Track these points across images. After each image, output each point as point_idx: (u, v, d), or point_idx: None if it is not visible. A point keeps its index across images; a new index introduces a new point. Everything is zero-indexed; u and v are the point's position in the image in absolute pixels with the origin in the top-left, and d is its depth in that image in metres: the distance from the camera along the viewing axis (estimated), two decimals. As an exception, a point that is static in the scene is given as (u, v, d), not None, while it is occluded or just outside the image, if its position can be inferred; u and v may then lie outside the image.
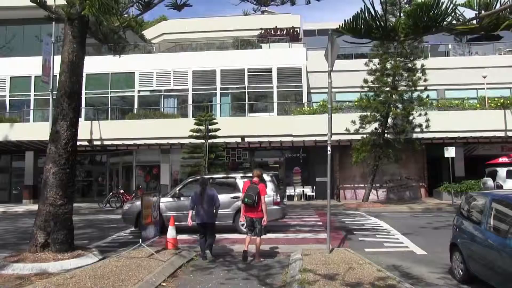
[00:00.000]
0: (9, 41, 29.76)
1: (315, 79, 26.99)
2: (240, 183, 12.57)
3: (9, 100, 28.34)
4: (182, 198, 13.21)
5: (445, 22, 2.69)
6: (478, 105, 24.14)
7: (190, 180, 13.85)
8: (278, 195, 13.11)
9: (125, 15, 4.52)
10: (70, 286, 6.57)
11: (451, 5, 2.59)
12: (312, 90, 27.63)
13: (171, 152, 26.63)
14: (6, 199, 28.89)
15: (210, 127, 22.21)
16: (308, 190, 25.70)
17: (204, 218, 9.43)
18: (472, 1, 2.61)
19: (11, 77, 28.26)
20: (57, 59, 11.30)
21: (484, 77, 24.22)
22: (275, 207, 12.58)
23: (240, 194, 10.74)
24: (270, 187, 12.57)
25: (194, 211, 9.54)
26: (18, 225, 16.90)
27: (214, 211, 9.55)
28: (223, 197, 11.53)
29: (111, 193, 24.46)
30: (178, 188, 13.75)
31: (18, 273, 7.99)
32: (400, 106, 21.70)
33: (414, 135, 22.03)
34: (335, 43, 9.23)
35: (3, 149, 27.44)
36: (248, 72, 26.81)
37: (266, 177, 12.74)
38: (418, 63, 21.34)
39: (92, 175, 30.29)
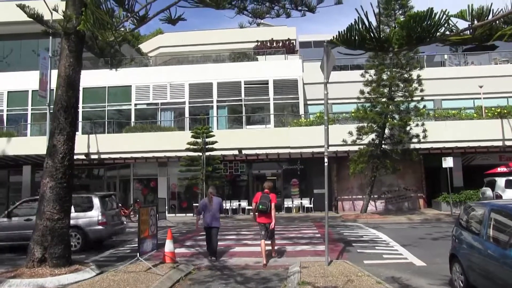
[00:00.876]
0: (6, 56, 29.81)
1: (312, 91, 27.07)
2: (96, 201, 13.50)
3: (7, 114, 28.32)
4: (14, 219, 13.58)
5: (438, 33, 2.68)
6: (475, 114, 24.19)
7: (24, 200, 14.61)
8: (104, 216, 13.56)
9: (121, 30, 4.51)
10: (65, 302, 6.48)
11: (444, 16, 2.58)
12: (308, 102, 27.70)
13: (168, 165, 26.57)
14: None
15: (207, 139, 22.23)
16: (306, 202, 25.61)
17: (210, 222, 10.79)
18: (465, 12, 2.60)
19: (8, 92, 28.26)
20: (54, 73, 11.29)
21: (481, 86, 24.32)
22: (99, 227, 13.33)
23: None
24: (96, 207, 13.43)
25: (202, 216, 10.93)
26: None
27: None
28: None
29: (108, 207, 24.24)
30: (11, 209, 14.11)
31: (14, 289, 7.89)
32: (397, 116, 21.72)
33: (412, 146, 22.02)
34: (331, 54, 9.26)
35: (1, 163, 27.32)
36: (244, 84, 26.88)
37: (95, 198, 13.62)
38: (414, 73, 21.43)
39: (89, 189, 30.11)
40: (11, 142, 25.02)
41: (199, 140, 22.24)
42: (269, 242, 10.52)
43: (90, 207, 13.51)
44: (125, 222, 15.50)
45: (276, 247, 11.27)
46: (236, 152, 24.26)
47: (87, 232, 13.11)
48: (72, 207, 12.97)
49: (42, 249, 8.86)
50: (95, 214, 13.27)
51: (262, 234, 10.24)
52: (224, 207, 17.46)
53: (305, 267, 8.71)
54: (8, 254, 12.78)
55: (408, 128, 21.40)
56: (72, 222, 12.88)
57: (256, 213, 10.38)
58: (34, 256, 8.83)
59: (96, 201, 13.50)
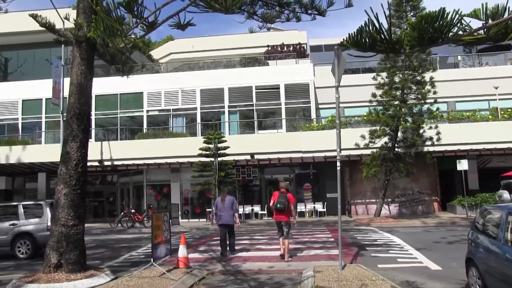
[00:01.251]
0: (21, 65, 30.31)
1: (323, 95, 27.01)
2: (46, 208, 13.71)
3: (22, 122, 28.73)
4: None
5: (450, 33, 2.63)
6: (490, 116, 23.85)
7: None
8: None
9: (132, 36, 4.52)
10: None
11: (457, 16, 2.53)
12: (320, 106, 27.63)
13: (181, 171, 26.65)
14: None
15: (219, 145, 22.26)
16: (319, 206, 25.49)
17: (225, 220, 11.71)
18: (478, 11, 2.54)
19: (23, 100, 28.69)
20: (67, 81, 11.43)
21: (496, 87, 24.03)
22: (48, 233, 13.40)
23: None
24: (46, 213, 13.60)
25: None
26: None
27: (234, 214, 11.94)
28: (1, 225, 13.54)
29: (122, 213, 24.41)
30: None
31: (31, 294, 8.00)
32: (409, 119, 21.55)
33: (425, 149, 21.82)
34: (342, 58, 9.21)
35: (17, 171, 27.71)
36: (255, 89, 26.90)
37: (45, 205, 13.84)
38: (427, 75, 21.25)
39: (103, 195, 30.35)
40: (26, 150, 25.37)
41: (211, 146, 22.28)
42: (285, 240, 10.87)
43: (40, 214, 13.79)
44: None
45: (290, 251, 11.30)
46: (248, 157, 24.26)
47: (37, 238, 13.39)
48: (23, 214, 13.72)
49: (58, 255, 8.93)
50: (45, 220, 13.52)
51: (280, 232, 10.91)
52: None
53: (318, 272, 8.64)
54: (26, 259, 12.95)
55: (421, 131, 21.22)
56: (22, 228, 13.50)
57: (274, 211, 10.90)
58: (50, 262, 8.91)
59: (46, 208, 13.75)
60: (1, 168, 26.71)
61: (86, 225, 9.80)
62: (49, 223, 13.30)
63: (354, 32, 2.79)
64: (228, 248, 11.99)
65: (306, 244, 13.80)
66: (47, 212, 13.62)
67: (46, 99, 27.11)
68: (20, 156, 25.23)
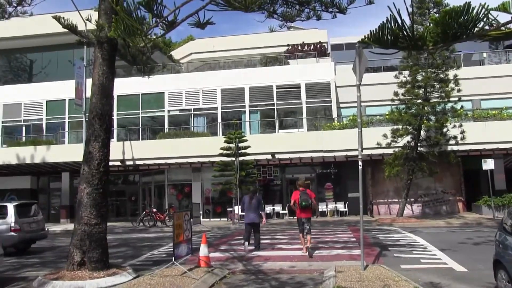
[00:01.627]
0: (45, 67, 30.89)
1: (344, 94, 26.79)
2: (10, 209, 13.85)
3: (46, 123, 29.29)
4: None
5: (476, 28, 2.55)
6: (517, 114, 23.31)
7: None
8: (17, 223, 13.87)
9: (153, 36, 4.54)
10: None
11: (483, 10, 2.45)
12: (341, 105, 27.41)
13: (202, 170, 26.78)
14: (45, 218, 29.50)
15: (240, 144, 22.29)
16: (340, 206, 25.32)
17: (252, 218, 12.34)
18: (507, 4, 2.45)
19: (47, 101, 29.23)
20: (89, 82, 11.58)
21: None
22: (12, 233, 13.69)
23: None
24: (10, 214, 13.75)
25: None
26: (56, 243, 17.33)
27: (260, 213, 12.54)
28: None
29: (144, 212, 24.67)
30: None
31: (57, 290, 8.16)
32: (433, 118, 21.20)
33: (449, 148, 21.44)
34: (363, 56, 9.10)
35: (41, 170, 28.28)
36: (276, 88, 26.84)
37: (9, 206, 13.95)
38: (451, 73, 20.85)
39: (125, 195, 30.73)
40: (50, 150, 25.87)
41: (232, 145, 22.33)
42: (307, 237, 11.33)
43: (4, 215, 13.94)
44: (46, 229, 15.82)
45: (311, 250, 11.46)
46: (269, 156, 24.23)
47: None
48: None
49: (81, 253, 9.07)
50: (9, 221, 13.69)
51: (301, 228, 11.40)
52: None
53: (340, 272, 8.56)
54: (51, 257, 13.20)
55: (445, 129, 20.85)
56: None
57: (298, 209, 11.28)
58: (74, 260, 9.05)
59: (10, 209, 13.91)
60: (27, 168, 27.33)
61: (108, 224, 9.91)
62: (12, 224, 13.72)
63: (376, 29, 2.74)
64: (253, 246, 12.48)
65: (328, 244, 13.70)
66: (11, 213, 13.85)
67: (69, 99, 27.59)
68: (45, 156, 25.74)
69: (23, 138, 28.64)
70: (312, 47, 32.30)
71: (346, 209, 25.02)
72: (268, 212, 25.53)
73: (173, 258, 9.06)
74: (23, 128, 29.63)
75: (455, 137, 20.57)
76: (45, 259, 12.96)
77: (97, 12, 9.77)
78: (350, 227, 19.19)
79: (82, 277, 8.70)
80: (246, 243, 12.39)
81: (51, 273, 9.23)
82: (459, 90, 20.31)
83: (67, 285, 8.31)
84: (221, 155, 22.42)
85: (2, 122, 29.70)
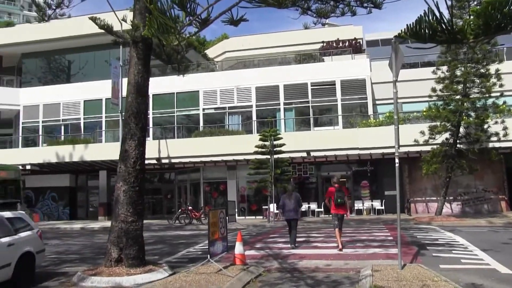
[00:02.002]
0: (82, 67, 31.73)
1: (380, 90, 26.36)
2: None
3: (83, 122, 30.11)
4: None
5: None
6: None
7: None
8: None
9: (186, 35, 4.57)
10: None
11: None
12: (377, 102, 27.00)
13: (237, 168, 26.90)
14: (83, 216, 30.49)
15: (275, 142, 22.26)
16: (377, 204, 24.93)
17: (291, 215, 12.57)
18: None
19: (84, 101, 30.04)
20: (125, 81, 11.81)
21: None
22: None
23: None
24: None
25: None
26: (95, 240, 17.75)
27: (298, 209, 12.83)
28: None
29: (180, 210, 24.95)
30: None
31: (96, 285, 8.37)
32: (472, 114, 20.58)
33: (490, 144, 20.78)
34: (399, 51, 8.91)
35: (79, 168, 29.11)
36: (311, 86, 26.68)
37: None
38: (492, 67, 20.18)
39: (161, 193, 31.24)
40: (88, 148, 26.60)
41: (267, 143, 22.33)
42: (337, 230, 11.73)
43: None
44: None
45: (343, 251, 11.50)
46: (304, 154, 24.12)
47: None
48: None
49: (118, 250, 9.24)
50: None
51: (336, 223, 11.67)
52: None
53: (377, 271, 8.42)
54: (90, 253, 13.55)
55: (485, 126, 20.23)
56: None
57: (334, 206, 11.64)
58: (111, 256, 9.24)
59: None
60: (66, 166, 28.20)
61: (145, 221, 10.08)
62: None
63: (413, 23, 2.67)
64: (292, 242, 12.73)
65: (364, 243, 13.51)
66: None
67: (106, 99, 28.22)
68: (83, 155, 26.47)
69: (62, 137, 29.49)
70: (347, 44, 31.93)
71: (383, 207, 24.62)
72: (303, 210, 25.38)
73: (209, 255, 9.13)
74: (62, 127, 30.55)
75: (497, 134, 19.93)
76: (84, 255, 13.27)
77: (132, 12, 9.93)
78: (386, 225, 18.87)
79: (120, 273, 8.87)
80: (293, 245, 12.63)
81: (90, 269, 9.46)
82: (501, 85, 19.63)
83: (105, 281, 8.49)
84: (256, 153, 22.46)
85: (43, 121, 30.69)
